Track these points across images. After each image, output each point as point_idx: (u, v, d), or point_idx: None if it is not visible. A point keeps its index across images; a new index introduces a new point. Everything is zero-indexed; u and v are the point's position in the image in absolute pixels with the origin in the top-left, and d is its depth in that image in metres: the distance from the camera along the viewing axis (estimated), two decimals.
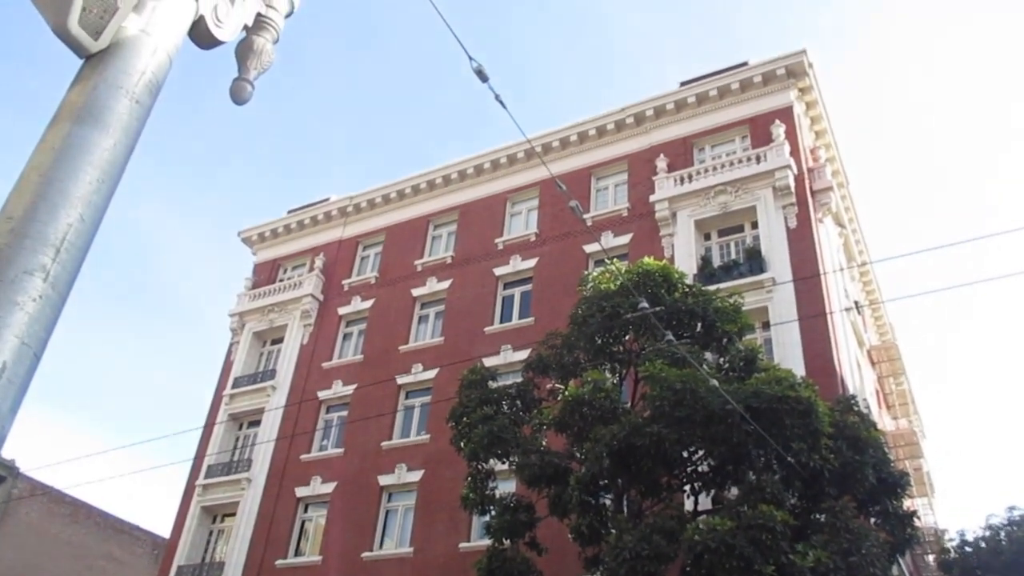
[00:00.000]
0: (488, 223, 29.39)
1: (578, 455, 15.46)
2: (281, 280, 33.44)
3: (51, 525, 32.97)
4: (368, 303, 30.27)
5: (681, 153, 26.34)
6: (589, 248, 25.78)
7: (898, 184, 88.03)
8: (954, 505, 63.62)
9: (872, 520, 15.00)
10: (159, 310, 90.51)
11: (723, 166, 24.54)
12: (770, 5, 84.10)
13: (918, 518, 16.56)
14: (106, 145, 2.93)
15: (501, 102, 7.44)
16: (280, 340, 31.49)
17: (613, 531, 14.11)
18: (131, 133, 3.06)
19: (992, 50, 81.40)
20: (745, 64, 26.60)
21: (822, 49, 75.13)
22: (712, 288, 18.21)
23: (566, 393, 15.79)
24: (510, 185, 29.90)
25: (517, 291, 27.36)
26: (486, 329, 26.53)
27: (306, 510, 26.88)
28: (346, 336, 30.48)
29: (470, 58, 6.82)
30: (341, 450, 26.84)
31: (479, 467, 16.84)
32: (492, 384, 17.88)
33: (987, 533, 25.48)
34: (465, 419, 17.04)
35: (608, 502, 15.52)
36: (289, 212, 34.79)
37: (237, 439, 30.01)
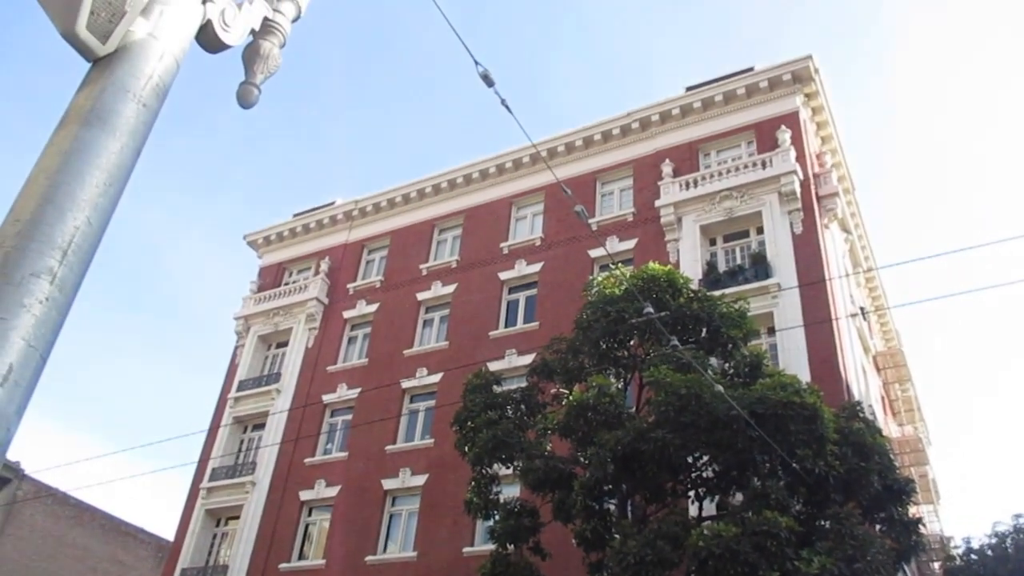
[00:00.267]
0: (493, 227, 29.40)
1: (582, 460, 15.43)
2: (286, 283, 33.49)
3: (55, 527, 33.03)
4: (373, 307, 30.30)
5: (687, 158, 26.33)
6: (594, 253, 25.76)
7: (904, 190, 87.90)
8: (960, 512, 63.37)
9: (877, 527, 14.94)
10: (164, 313, 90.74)
11: (729, 171, 24.51)
12: (776, 11, 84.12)
13: (923, 525, 16.54)
14: (113, 148, 2.94)
15: (507, 107, 7.44)
16: (285, 343, 31.53)
17: (617, 536, 14.07)
18: (138, 136, 3.07)
19: (999, 55, 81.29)
20: (751, 69, 26.58)
21: (828, 54, 75.03)
22: (717, 293, 18.21)
23: (571, 398, 15.77)
24: (515, 190, 29.91)
25: (522, 295, 27.36)
26: (491, 333, 26.52)
27: (310, 514, 26.87)
28: (351, 340, 30.50)
29: (476, 63, 6.83)
30: (345, 454, 26.84)
31: (483, 471, 16.83)
32: (497, 388, 17.87)
33: (993, 540, 25.40)
34: (469, 423, 17.03)
35: (612, 507, 15.49)
36: (295, 216, 34.86)
37: (241, 442, 30.05)
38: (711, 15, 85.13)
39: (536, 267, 27.27)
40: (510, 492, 18.37)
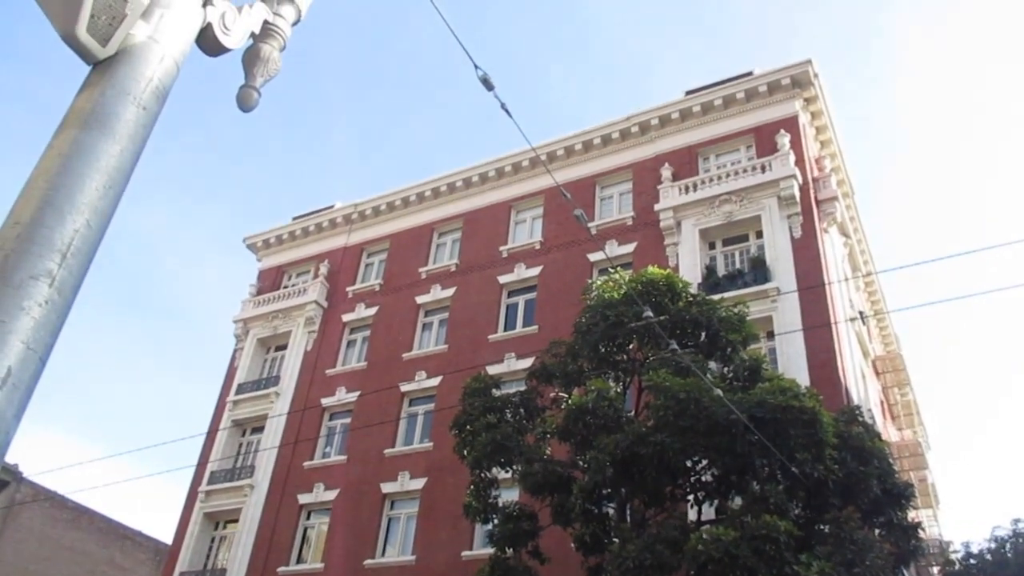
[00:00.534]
0: (492, 231, 29.41)
1: (581, 464, 15.42)
2: (286, 287, 33.48)
3: (53, 530, 32.96)
4: (372, 310, 30.30)
5: (686, 162, 26.35)
6: (593, 257, 25.78)
7: (903, 194, 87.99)
8: (959, 517, 63.34)
9: (876, 531, 14.92)
10: (163, 316, 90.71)
11: (728, 175, 24.54)
12: (776, 15, 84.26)
13: (923, 529, 16.52)
14: (113, 151, 2.94)
15: (506, 110, 7.45)
16: (284, 346, 31.52)
17: (616, 540, 14.08)
18: (138, 139, 3.07)
19: (999, 59, 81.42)
20: (750, 74, 26.62)
21: (828, 59, 75.13)
22: (716, 297, 18.20)
23: (570, 402, 15.77)
24: (515, 193, 29.93)
25: (521, 299, 27.36)
26: (490, 337, 26.52)
27: (308, 517, 26.85)
28: (350, 343, 30.50)
29: (476, 66, 6.83)
30: (344, 457, 26.82)
31: (482, 475, 16.82)
32: (496, 392, 17.86)
33: (992, 545, 25.38)
34: (468, 427, 17.02)
35: (611, 511, 15.48)
36: (294, 219, 34.87)
37: (240, 445, 30.02)
38: (711, 19, 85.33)
39: (535, 271, 27.27)
40: (509, 496, 18.35)
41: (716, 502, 15.32)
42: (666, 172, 25.90)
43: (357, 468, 26.15)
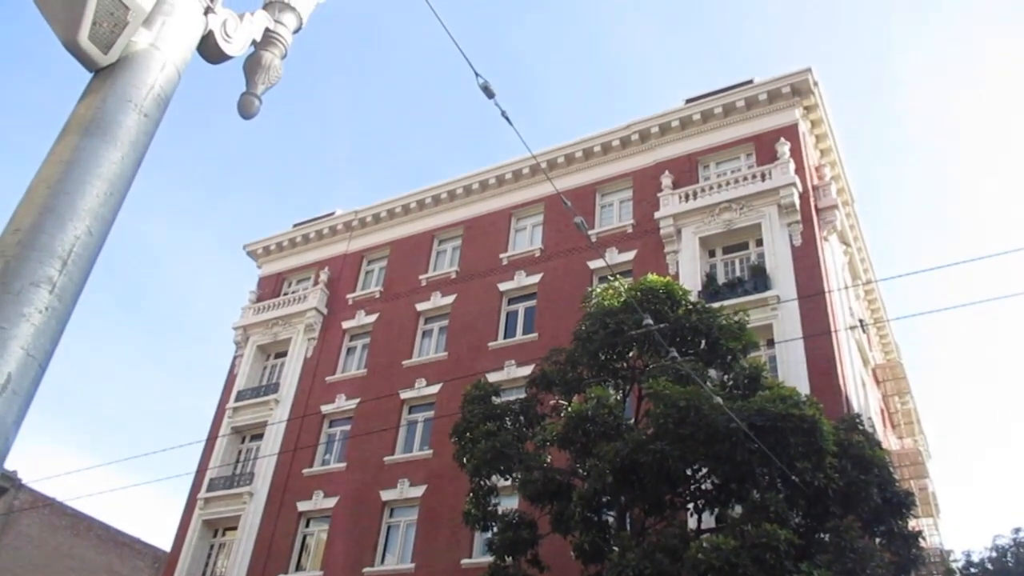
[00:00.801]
0: (493, 238, 29.43)
1: (581, 472, 15.41)
2: (286, 294, 33.49)
3: (52, 537, 32.89)
4: (372, 317, 30.29)
5: (686, 170, 26.38)
6: (593, 264, 25.78)
7: (903, 202, 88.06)
8: (960, 526, 63.20)
9: (877, 540, 14.89)
10: (163, 323, 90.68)
11: (728, 183, 24.56)
12: (776, 23, 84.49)
13: (923, 538, 16.50)
14: (114, 158, 2.95)
15: (507, 118, 7.46)
16: (284, 354, 31.50)
17: (616, 549, 14.03)
18: (139, 146, 3.08)
19: (999, 67, 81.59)
20: (750, 82, 26.68)
21: (828, 67, 75.28)
22: (716, 305, 18.21)
23: (569, 409, 15.75)
24: (515, 201, 29.96)
25: (521, 307, 27.36)
26: (490, 344, 26.51)
27: (308, 525, 26.79)
28: (350, 350, 30.48)
29: (476, 74, 6.85)
30: (343, 464, 26.78)
31: (482, 483, 16.79)
32: (495, 400, 17.85)
33: (993, 554, 25.33)
34: (468, 434, 17.00)
35: (611, 519, 15.45)
36: (295, 226, 34.89)
37: (239, 452, 29.97)
38: (711, 28, 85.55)
39: (535, 278, 27.28)
40: (508, 504, 18.32)
41: (716, 510, 15.28)
42: (666, 180, 25.93)
43: (357, 475, 26.11)
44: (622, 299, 16.52)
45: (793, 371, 19.94)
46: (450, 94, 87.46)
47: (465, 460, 16.84)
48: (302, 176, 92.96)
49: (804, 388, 18.31)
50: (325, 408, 28.58)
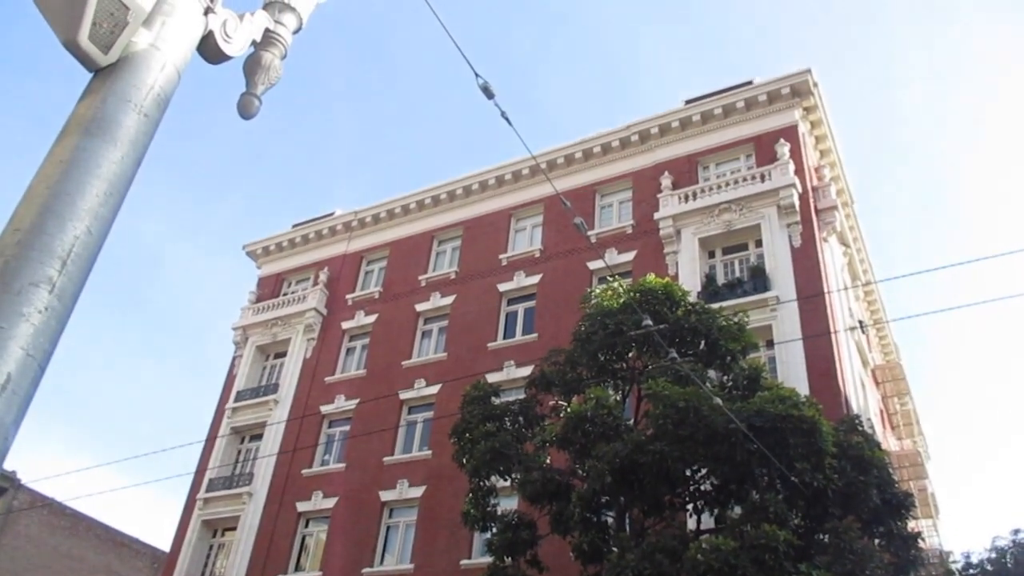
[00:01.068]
0: (492, 239, 29.43)
1: (580, 472, 15.41)
2: (285, 294, 33.48)
3: (51, 537, 32.88)
4: (372, 318, 30.28)
5: (686, 171, 26.39)
6: (593, 265, 25.78)
7: (903, 203, 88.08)
8: (959, 527, 63.22)
9: (876, 541, 14.88)
10: (163, 323, 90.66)
11: (728, 184, 24.57)
12: (776, 24, 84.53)
13: (922, 539, 16.50)
14: (114, 158, 2.94)
15: (507, 118, 7.46)
16: (283, 354, 31.49)
17: (615, 549, 14.04)
18: (139, 146, 3.08)
19: (999, 68, 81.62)
20: (750, 83, 26.69)
21: (827, 68, 75.27)
22: (716, 306, 18.21)
23: (569, 410, 15.75)
24: (515, 201, 29.96)
25: (521, 307, 27.36)
26: (489, 345, 26.51)
27: (307, 525, 26.78)
28: (349, 351, 30.47)
29: (476, 75, 6.85)
30: (343, 465, 26.77)
31: (481, 483, 16.78)
32: (495, 400, 17.84)
33: (992, 555, 25.28)
34: (467, 435, 17.00)
35: (610, 520, 15.45)
36: (294, 226, 34.89)
37: (239, 453, 29.96)
38: (711, 29, 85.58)
39: (535, 279, 27.28)
40: (508, 504, 18.31)
41: (715, 511, 15.28)
42: (666, 181, 25.93)
43: (356, 476, 26.10)
44: (621, 300, 16.52)
45: (792, 372, 19.95)
46: (450, 94, 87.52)
47: (464, 460, 16.84)
48: (302, 176, 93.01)
49: (803, 389, 18.32)
50: (324, 408, 28.58)
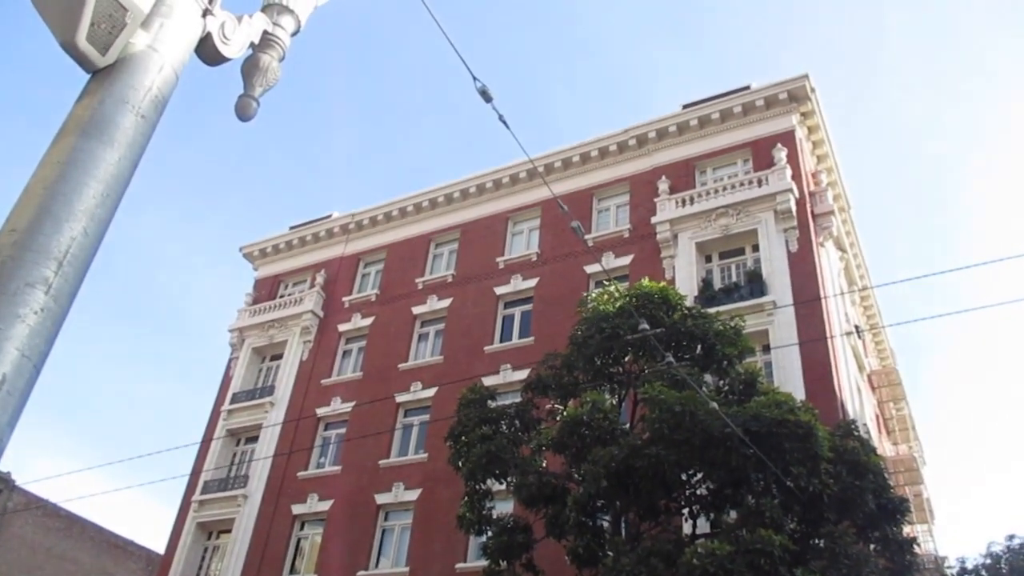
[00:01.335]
0: (489, 242, 29.44)
1: (576, 476, 15.40)
2: (282, 296, 33.45)
3: (45, 539, 32.80)
4: (368, 320, 30.26)
5: (683, 175, 26.42)
6: (590, 269, 25.79)
7: (900, 208, 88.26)
8: (954, 532, 63.28)
9: (872, 546, 14.90)
10: (159, 324, 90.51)
11: (725, 189, 24.60)
12: (773, 30, 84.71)
13: (918, 544, 16.48)
14: (111, 159, 2.94)
15: (504, 122, 7.47)
16: (279, 356, 31.45)
17: (610, 553, 14.03)
18: (136, 148, 3.08)
19: (995, 73, 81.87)
20: (747, 88, 26.73)
21: (824, 73, 75.57)
22: (713, 311, 18.22)
23: (565, 414, 15.75)
24: (512, 205, 29.97)
25: (517, 311, 27.36)
26: (486, 348, 26.50)
27: (302, 528, 26.73)
28: (346, 353, 30.45)
29: (474, 78, 6.86)
30: (339, 468, 26.72)
31: (476, 487, 16.76)
32: (491, 403, 17.83)
33: (987, 561, 25.32)
34: (463, 438, 16.98)
35: (606, 524, 15.44)
36: (291, 228, 34.87)
37: (234, 455, 29.90)
38: (708, 33, 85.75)
39: (532, 282, 27.28)
40: (503, 508, 18.28)
41: (711, 516, 15.29)
42: (663, 185, 25.96)
43: (351, 479, 26.06)
44: (618, 304, 16.53)
45: (789, 377, 19.96)
46: (448, 98, 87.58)
47: (460, 464, 16.82)
48: (299, 178, 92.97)
49: (799, 394, 18.34)
50: (320, 411, 28.54)
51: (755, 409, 13.57)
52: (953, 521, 64.67)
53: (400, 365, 28.04)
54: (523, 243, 29.14)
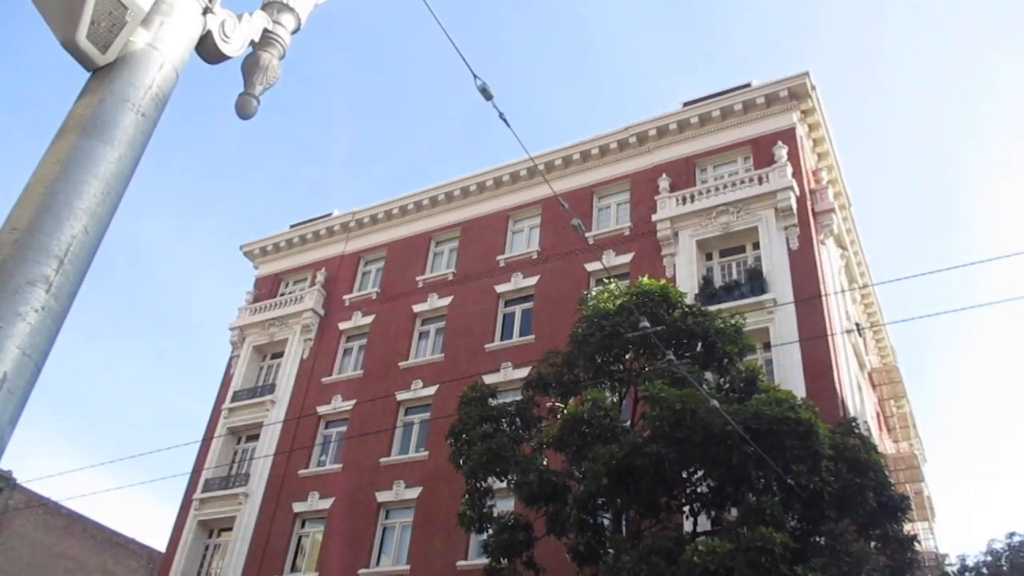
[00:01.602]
0: (490, 240, 29.43)
1: (577, 474, 15.40)
2: (282, 294, 33.46)
3: (46, 537, 32.82)
4: (369, 319, 30.26)
5: (683, 173, 26.41)
6: (591, 267, 25.79)
7: (900, 206, 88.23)
8: (954, 530, 63.27)
9: (872, 544, 14.90)
10: (160, 323, 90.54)
11: (725, 186, 24.60)
12: (774, 27, 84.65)
13: (918, 542, 16.49)
14: (111, 158, 2.94)
15: (505, 120, 7.47)
16: (280, 354, 31.46)
17: (611, 551, 14.03)
18: (136, 146, 3.08)
19: (997, 70, 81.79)
20: (748, 85, 26.72)
21: (825, 71, 75.43)
22: (713, 308, 18.23)
23: (565, 411, 15.75)
24: (512, 203, 29.97)
25: (518, 308, 27.36)
26: (486, 346, 26.50)
27: (303, 526, 26.75)
28: (346, 351, 30.46)
29: (475, 76, 6.85)
30: (339, 466, 26.74)
31: (477, 485, 16.76)
32: (492, 401, 17.83)
33: (988, 558, 25.31)
34: (464, 436, 16.99)
35: (606, 522, 15.45)
36: (292, 226, 34.87)
37: (235, 453, 29.92)
38: (709, 31, 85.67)
39: (532, 280, 27.28)
40: (504, 506, 18.29)
41: (712, 513, 15.30)
42: (663, 183, 25.96)
43: (352, 477, 26.08)
44: (618, 302, 16.53)
45: (789, 374, 19.97)
46: (448, 96, 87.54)
47: (461, 462, 16.83)
48: (300, 177, 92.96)
49: (800, 391, 18.35)
50: (321, 409, 28.55)
51: (756, 407, 13.58)
52: (954, 519, 64.69)
53: (401, 363, 28.05)
54: (524, 241, 29.14)
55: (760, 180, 24.07)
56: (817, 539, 13.80)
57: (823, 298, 21.57)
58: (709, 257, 24.52)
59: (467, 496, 16.94)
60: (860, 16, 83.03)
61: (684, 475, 14.56)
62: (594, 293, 18.18)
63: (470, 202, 30.90)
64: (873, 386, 29.14)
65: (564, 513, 14.83)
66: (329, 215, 34.06)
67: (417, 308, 29.37)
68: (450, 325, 28.21)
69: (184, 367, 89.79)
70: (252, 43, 3.86)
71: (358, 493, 25.56)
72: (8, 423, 2.45)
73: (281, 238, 34.60)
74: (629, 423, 16.14)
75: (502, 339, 26.73)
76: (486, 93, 7.09)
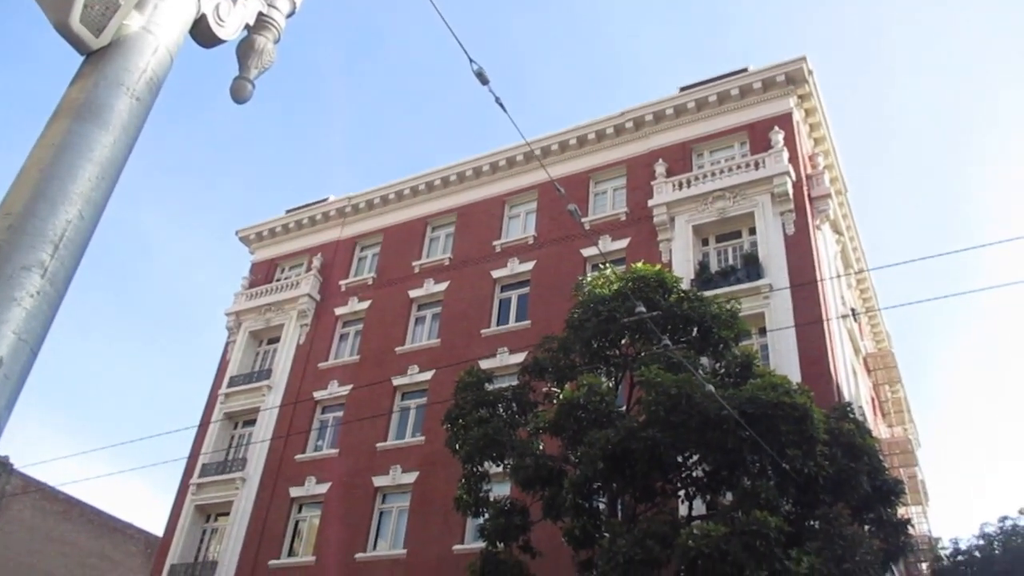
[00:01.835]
0: (486, 225, 29.40)
1: (573, 458, 15.46)
2: (278, 280, 33.41)
3: (44, 522, 32.92)
4: (365, 304, 30.25)
5: (680, 158, 26.37)
6: (587, 252, 25.79)
7: (896, 191, 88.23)
8: (948, 514, 63.73)
9: (866, 527, 15.01)
10: (156, 308, 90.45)
11: (722, 172, 24.57)
12: (770, 12, 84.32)
13: (912, 526, 16.65)
14: (106, 142, 2.93)
15: (501, 105, 7.44)
16: (276, 340, 31.47)
17: (607, 535, 14.11)
18: (131, 130, 3.06)
19: (994, 56, 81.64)
20: (745, 70, 26.65)
21: (822, 56, 75.15)
22: (709, 294, 18.25)
23: (561, 396, 15.79)
24: (509, 188, 29.91)
25: (514, 294, 27.37)
26: (483, 331, 26.52)
27: (300, 510, 26.83)
28: (342, 337, 30.46)
29: (471, 60, 6.82)
30: (336, 451, 26.81)
31: (474, 469, 16.83)
32: (488, 386, 17.87)
33: (981, 542, 25.55)
34: (460, 421, 17.04)
35: (602, 506, 15.52)
36: (288, 212, 34.78)
37: (232, 438, 29.98)
38: (705, 15, 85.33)
39: (528, 265, 27.28)
40: (500, 490, 18.38)
41: (707, 497, 15.38)
42: (660, 168, 25.92)
43: (349, 461, 26.15)
44: (614, 287, 16.55)
45: (785, 359, 20.03)
46: (444, 81, 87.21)
47: (457, 447, 16.88)
48: (295, 162, 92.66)
49: (795, 376, 18.41)
50: (318, 394, 28.58)
51: (751, 391, 13.63)
52: (947, 503, 65.13)
53: (397, 348, 28.07)
54: (520, 226, 29.11)
55: (756, 165, 24.06)
56: (811, 523, 13.89)
57: (819, 283, 21.61)
58: (705, 242, 24.53)
59: (463, 480, 17.00)
60: (857, 1, 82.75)
61: (679, 459, 14.62)
62: (590, 278, 18.18)
63: (466, 187, 30.83)
64: (868, 371, 29.25)
65: (560, 497, 14.90)
66: (325, 200, 33.98)
67: (413, 293, 29.36)
68: (446, 310, 28.22)
69: (180, 353, 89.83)
70: (247, 27, 3.83)
71: (355, 478, 25.64)
72: (4, 408, 2.45)
73: (277, 223, 34.52)
74: (625, 408, 16.18)
75: (498, 324, 26.75)
76: (482, 78, 7.05)
